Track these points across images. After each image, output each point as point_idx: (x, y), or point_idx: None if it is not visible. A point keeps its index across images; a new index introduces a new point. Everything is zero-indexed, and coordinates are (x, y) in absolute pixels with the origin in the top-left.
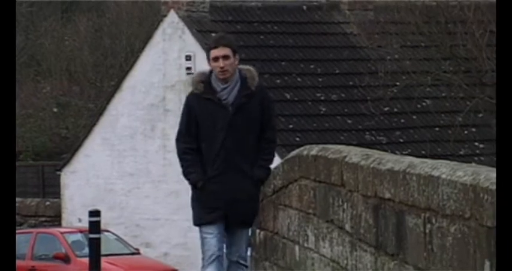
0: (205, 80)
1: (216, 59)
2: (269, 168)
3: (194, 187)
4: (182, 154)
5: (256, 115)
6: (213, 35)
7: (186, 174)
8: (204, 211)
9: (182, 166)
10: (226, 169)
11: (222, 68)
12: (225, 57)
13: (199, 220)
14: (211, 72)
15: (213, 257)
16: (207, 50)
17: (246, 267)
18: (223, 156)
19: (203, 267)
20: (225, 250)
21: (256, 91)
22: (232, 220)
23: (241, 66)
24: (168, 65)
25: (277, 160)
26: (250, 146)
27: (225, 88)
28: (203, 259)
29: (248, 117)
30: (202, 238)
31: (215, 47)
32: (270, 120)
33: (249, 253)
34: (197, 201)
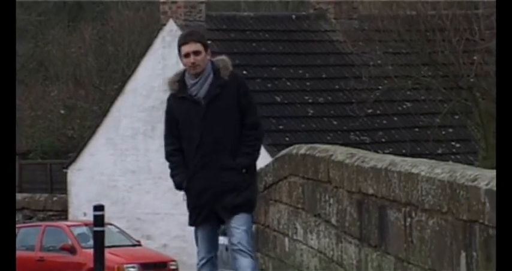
0: (180, 78)
1: (187, 55)
2: (253, 154)
3: (180, 189)
4: (167, 156)
5: (233, 104)
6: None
7: (171, 176)
8: (192, 213)
9: (169, 168)
10: (205, 165)
11: (193, 63)
12: (196, 52)
13: (191, 221)
14: (185, 70)
15: (204, 261)
16: (178, 47)
17: (249, 252)
18: (202, 152)
19: (197, 265)
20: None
21: (230, 80)
22: (222, 212)
23: (215, 58)
24: (167, 70)
25: (268, 159)
26: (232, 136)
27: (195, 83)
28: (197, 258)
29: (224, 108)
30: (196, 239)
31: (185, 43)
32: (249, 106)
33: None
34: (187, 202)
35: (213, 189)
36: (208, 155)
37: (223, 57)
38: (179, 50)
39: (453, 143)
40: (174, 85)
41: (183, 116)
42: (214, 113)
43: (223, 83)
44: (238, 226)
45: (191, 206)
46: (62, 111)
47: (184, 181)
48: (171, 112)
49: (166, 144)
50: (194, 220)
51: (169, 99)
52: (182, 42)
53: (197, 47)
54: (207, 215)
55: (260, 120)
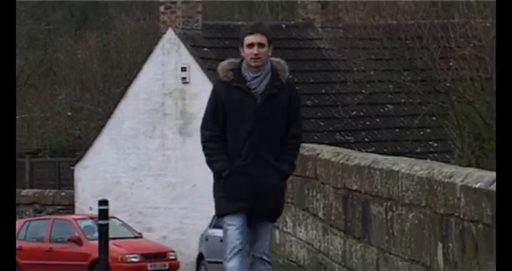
0: (235, 68)
1: (251, 45)
2: (293, 164)
3: (219, 176)
4: (207, 141)
5: (284, 108)
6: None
7: (210, 162)
8: (228, 200)
9: (206, 154)
10: (253, 161)
11: (256, 55)
12: (260, 44)
13: (222, 210)
14: (241, 61)
15: (235, 250)
16: (241, 37)
17: (270, 263)
18: (250, 146)
19: (225, 259)
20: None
21: (287, 84)
22: (257, 214)
23: (271, 58)
24: (166, 75)
25: None
26: (276, 139)
27: (255, 77)
28: (226, 251)
29: (276, 109)
30: (225, 230)
31: (251, 33)
32: (297, 114)
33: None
34: (221, 191)
35: (257, 187)
36: (257, 151)
37: (281, 60)
38: (242, 40)
39: (431, 143)
40: (228, 73)
41: (235, 106)
42: (267, 111)
43: (281, 85)
44: (266, 234)
45: (229, 195)
46: (69, 113)
47: (227, 170)
48: (219, 98)
49: (206, 129)
50: (226, 209)
51: (217, 86)
52: (248, 32)
53: (262, 39)
54: (243, 207)
55: (302, 132)
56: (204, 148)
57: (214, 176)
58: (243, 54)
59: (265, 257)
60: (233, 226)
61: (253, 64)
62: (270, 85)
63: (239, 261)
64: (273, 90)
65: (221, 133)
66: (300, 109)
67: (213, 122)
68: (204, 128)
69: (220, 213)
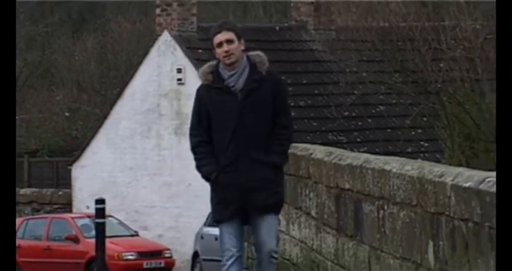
0: (213, 70)
1: (220, 44)
2: (284, 154)
3: (207, 180)
4: (194, 147)
5: (268, 100)
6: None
7: (198, 167)
8: (221, 207)
9: (195, 159)
10: (237, 158)
11: (226, 52)
12: (229, 41)
13: (217, 217)
14: (218, 62)
15: (233, 259)
16: (211, 39)
17: (276, 259)
18: (235, 144)
19: (223, 266)
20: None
21: (267, 75)
22: (250, 210)
23: (249, 53)
24: (162, 76)
25: None
26: (263, 133)
27: (232, 75)
28: (223, 257)
29: (259, 103)
30: (222, 236)
31: (218, 32)
32: (284, 105)
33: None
34: (214, 195)
35: (241, 184)
36: (241, 149)
37: (259, 52)
38: (212, 42)
39: (422, 143)
40: (208, 76)
41: (218, 107)
42: (249, 107)
43: (260, 77)
44: (270, 232)
45: (217, 200)
46: (67, 114)
47: (214, 173)
48: (202, 102)
49: (194, 135)
50: (221, 216)
51: (200, 90)
52: (215, 31)
53: (230, 35)
54: (235, 210)
55: (292, 122)
56: (194, 154)
57: (208, 182)
58: (217, 56)
59: (273, 254)
60: (230, 234)
61: (227, 62)
62: (249, 79)
63: (237, 269)
64: (253, 84)
65: (207, 137)
66: (285, 99)
67: (198, 126)
68: (191, 134)
69: (216, 220)
